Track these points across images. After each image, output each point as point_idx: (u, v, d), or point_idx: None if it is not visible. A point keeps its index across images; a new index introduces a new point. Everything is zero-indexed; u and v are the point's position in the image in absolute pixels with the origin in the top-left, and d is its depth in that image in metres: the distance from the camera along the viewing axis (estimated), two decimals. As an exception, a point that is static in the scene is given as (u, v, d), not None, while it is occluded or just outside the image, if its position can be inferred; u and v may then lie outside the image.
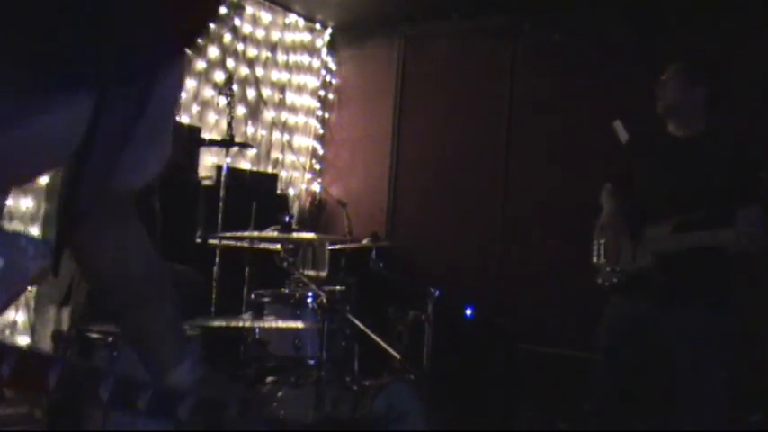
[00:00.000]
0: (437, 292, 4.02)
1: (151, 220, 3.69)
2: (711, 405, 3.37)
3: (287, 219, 3.66)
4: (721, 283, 3.41)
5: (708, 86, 3.49)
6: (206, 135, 5.79)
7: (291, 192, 6.93)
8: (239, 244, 4.13)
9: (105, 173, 1.25)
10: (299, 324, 3.51)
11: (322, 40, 7.20)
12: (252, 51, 6.47)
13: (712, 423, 3.32)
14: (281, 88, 6.80)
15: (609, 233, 3.65)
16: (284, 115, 6.85)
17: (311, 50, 7.10)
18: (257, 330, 3.63)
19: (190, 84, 5.90)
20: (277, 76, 6.75)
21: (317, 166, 7.20)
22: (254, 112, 6.54)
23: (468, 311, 5.49)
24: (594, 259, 3.72)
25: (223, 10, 6.12)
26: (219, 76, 6.00)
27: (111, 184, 1.29)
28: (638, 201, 3.58)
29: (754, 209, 3.10)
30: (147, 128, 1.25)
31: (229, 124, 4.45)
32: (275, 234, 3.67)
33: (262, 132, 6.63)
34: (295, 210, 6.91)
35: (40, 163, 1.32)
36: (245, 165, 6.37)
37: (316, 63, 7.15)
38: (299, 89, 7.02)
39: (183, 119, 5.79)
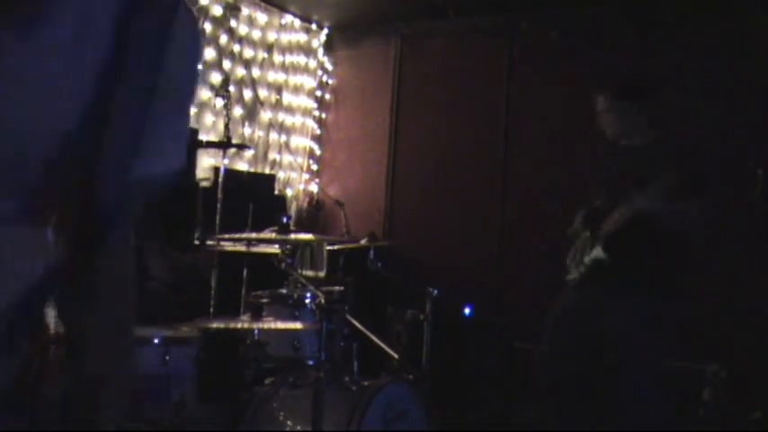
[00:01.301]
0: (435, 292, 4.01)
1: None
2: (637, 389, 3.69)
3: (285, 219, 3.66)
4: (661, 273, 3.72)
5: (635, 104, 3.93)
6: (203, 136, 5.78)
7: (289, 192, 6.93)
8: (237, 245, 4.12)
9: (127, 156, 1.12)
10: (298, 325, 3.50)
11: (318, 41, 7.20)
12: (248, 52, 6.47)
13: (637, 406, 3.67)
14: (278, 89, 6.80)
15: (578, 240, 4.05)
16: (281, 116, 6.85)
17: (308, 51, 7.10)
18: (256, 331, 3.63)
19: (186, 85, 5.89)
20: (274, 76, 6.75)
21: (315, 167, 7.20)
22: (251, 113, 6.53)
23: (467, 311, 5.49)
24: (567, 261, 4.11)
25: (219, 11, 6.12)
26: (216, 78, 5.99)
27: (129, 174, 1.14)
28: (601, 206, 3.98)
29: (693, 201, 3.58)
30: (165, 101, 1.13)
31: (226, 125, 4.44)
32: (273, 235, 3.66)
33: (259, 133, 6.63)
34: (293, 210, 6.91)
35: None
36: (242, 166, 6.37)
37: (312, 63, 7.15)
38: (296, 90, 7.01)
39: (180, 120, 5.78)
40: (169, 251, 3.60)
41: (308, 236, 4.11)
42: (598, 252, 3.84)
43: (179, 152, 1.26)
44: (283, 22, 6.81)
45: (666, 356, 3.91)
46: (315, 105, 7.19)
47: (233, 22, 6.28)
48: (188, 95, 1.29)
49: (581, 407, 4.04)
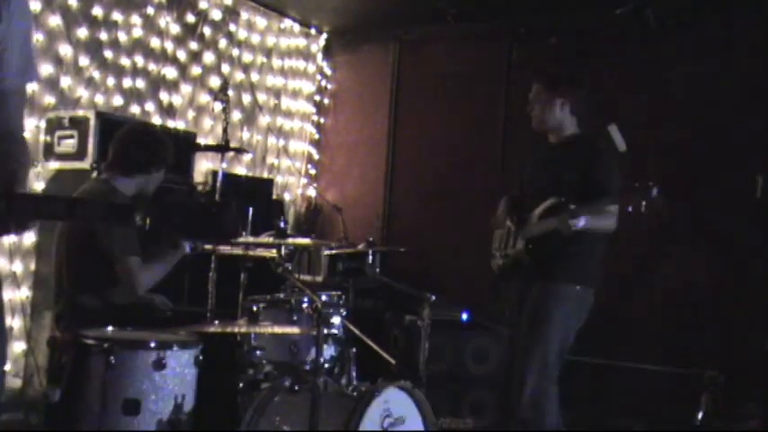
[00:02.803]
0: (433, 297, 4.01)
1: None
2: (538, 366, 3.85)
3: (282, 224, 3.66)
4: (566, 265, 3.88)
5: (564, 98, 4.04)
6: (201, 140, 5.78)
7: (287, 197, 6.93)
8: (235, 249, 4.12)
9: None
10: (295, 329, 3.50)
11: (317, 45, 7.20)
12: (247, 56, 6.48)
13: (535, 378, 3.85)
14: (277, 93, 6.81)
15: (499, 224, 4.27)
16: (280, 120, 6.85)
17: (306, 55, 7.11)
18: (253, 336, 3.63)
19: (185, 89, 5.91)
20: (272, 81, 6.75)
21: (313, 171, 7.20)
22: (250, 117, 6.54)
23: (465, 316, 5.49)
24: (493, 245, 4.31)
25: (218, 15, 6.13)
26: (215, 82, 6.00)
27: None
28: (525, 197, 4.19)
29: (577, 208, 3.68)
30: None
31: (225, 129, 4.44)
32: (271, 239, 3.66)
33: (257, 137, 6.64)
34: (291, 215, 6.91)
35: None
36: (240, 170, 6.37)
37: (311, 68, 7.16)
38: (295, 94, 7.02)
39: (179, 124, 5.79)
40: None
41: (306, 240, 4.11)
42: (520, 252, 3.99)
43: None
44: (282, 26, 6.82)
45: (579, 352, 4.12)
46: (313, 110, 7.20)
47: (232, 27, 6.29)
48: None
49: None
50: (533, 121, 4.15)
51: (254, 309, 3.65)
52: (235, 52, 6.33)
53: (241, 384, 3.65)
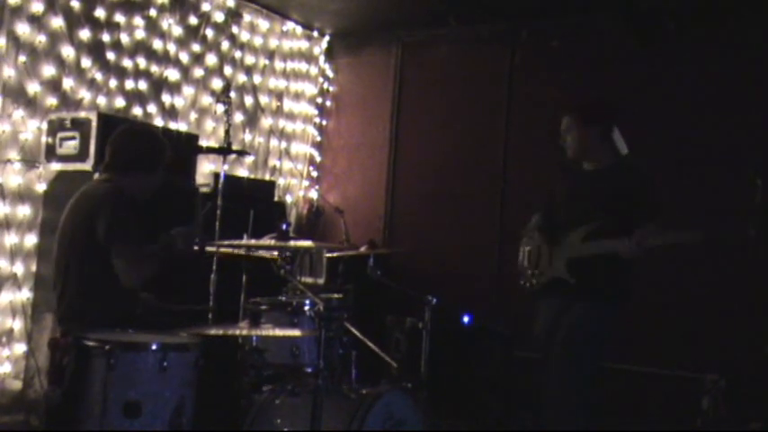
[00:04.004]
0: (434, 300, 4.01)
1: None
2: (571, 388, 3.90)
3: (284, 226, 3.65)
4: (612, 284, 3.94)
5: (600, 128, 4.06)
6: (203, 142, 5.79)
7: (289, 199, 6.93)
8: (237, 252, 4.12)
9: None
10: (297, 332, 3.50)
11: (319, 48, 7.21)
12: (249, 59, 6.48)
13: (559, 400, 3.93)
14: (279, 95, 6.81)
15: (532, 242, 4.24)
16: (282, 122, 6.85)
17: (309, 58, 7.11)
18: (254, 338, 3.62)
19: (188, 91, 5.91)
20: (275, 83, 6.76)
21: (315, 174, 7.20)
22: (252, 120, 6.54)
23: (466, 319, 5.48)
24: (519, 261, 4.30)
25: (221, 17, 6.13)
26: (217, 84, 6.01)
27: None
28: (557, 220, 4.16)
29: (645, 229, 3.73)
30: None
31: (227, 131, 4.44)
32: (272, 242, 3.66)
33: (259, 139, 6.64)
34: (292, 217, 6.91)
35: None
36: (242, 172, 6.37)
37: (313, 70, 7.16)
38: (297, 96, 7.02)
39: (181, 126, 5.79)
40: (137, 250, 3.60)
41: (308, 243, 4.10)
42: (561, 272, 4.00)
43: None
44: (285, 29, 6.83)
45: (607, 359, 4.12)
46: (315, 112, 7.20)
47: (235, 29, 6.29)
48: None
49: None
50: (569, 151, 4.16)
51: (256, 311, 3.64)
52: (237, 54, 6.33)
53: (242, 387, 3.64)
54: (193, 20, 5.91)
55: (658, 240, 3.73)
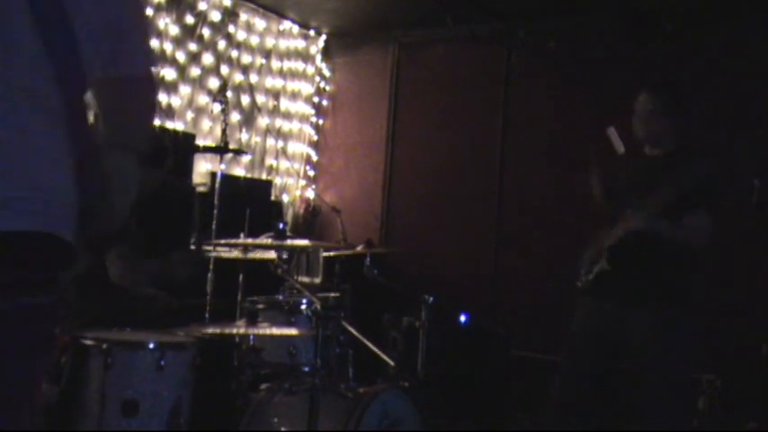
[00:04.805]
0: (431, 299, 4.01)
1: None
2: (672, 400, 3.70)
3: (281, 225, 3.65)
4: (677, 286, 3.75)
5: (676, 115, 3.89)
6: (200, 141, 5.79)
7: (286, 198, 6.93)
8: (233, 251, 4.12)
9: None
10: (294, 331, 3.50)
11: (316, 47, 7.21)
12: (246, 58, 6.48)
13: (673, 416, 3.70)
14: (276, 95, 6.81)
15: (593, 248, 3.93)
16: (278, 122, 6.85)
17: (305, 57, 7.11)
18: (251, 337, 3.62)
19: (184, 90, 5.91)
20: (271, 82, 6.75)
21: (312, 173, 7.20)
22: (249, 119, 6.54)
23: (463, 318, 5.48)
24: (582, 263, 4.01)
25: (217, 17, 6.13)
26: (214, 83, 6.00)
27: None
28: (616, 208, 3.89)
29: (700, 214, 3.64)
30: None
31: (224, 131, 4.44)
32: (269, 241, 3.66)
33: (256, 139, 6.64)
34: (289, 216, 6.91)
35: None
36: (239, 171, 6.37)
37: (310, 69, 7.16)
38: (294, 96, 7.02)
39: (178, 125, 5.79)
40: (138, 257, 3.60)
41: (305, 242, 4.11)
42: (603, 264, 3.81)
43: None
44: (281, 28, 6.82)
45: (688, 367, 3.99)
46: (312, 111, 7.20)
47: (231, 28, 6.29)
48: None
49: (598, 415, 4.12)
50: (643, 133, 3.91)
51: (253, 310, 3.65)
52: (234, 53, 6.33)
53: (239, 386, 3.64)
54: (190, 19, 5.91)
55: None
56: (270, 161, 6.78)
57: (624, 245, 3.74)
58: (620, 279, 3.77)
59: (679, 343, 3.71)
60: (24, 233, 1.40)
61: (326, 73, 7.26)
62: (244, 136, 6.47)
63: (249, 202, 4.54)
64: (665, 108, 3.89)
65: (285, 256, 3.87)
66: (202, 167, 5.90)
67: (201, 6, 5.98)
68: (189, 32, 5.92)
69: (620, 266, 3.76)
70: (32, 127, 1.43)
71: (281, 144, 6.84)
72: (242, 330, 3.46)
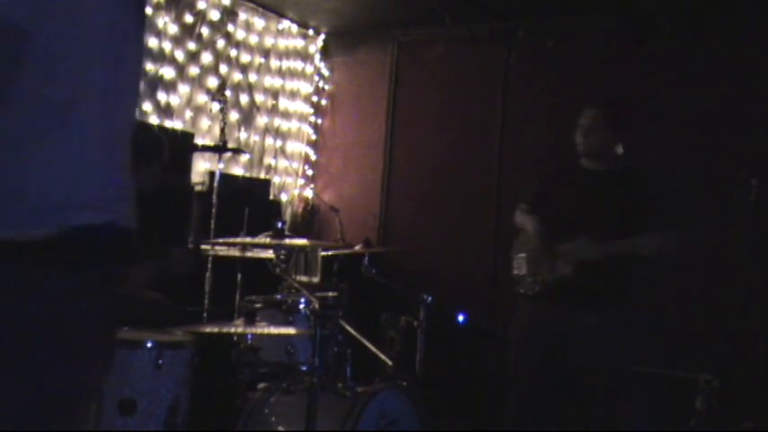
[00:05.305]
0: (429, 299, 4.01)
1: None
2: (630, 393, 3.97)
3: (279, 224, 3.65)
4: (625, 287, 3.95)
5: (618, 132, 4.03)
6: (199, 140, 5.78)
7: (284, 197, 6.93)
8: (232, 250, 4.12)
9: None
10: (292, 330, 3.50)
11: (315, 46, 7.20)
12: (245, 57, 6.47)
13: (630, 410, 3.94)
14: (274, 94, 6.81)
15: (530, 247, 4.14)
16: (277, 121, 6.85)
17: (304, 56, 7.11)
18: (249, 336, 3.62)
19: (183, 89, 5.90)
20: (270, 81, 6.75)
21: (310, 172, 7.20)
22: (247, 118, 6.54)
23: (461, 318, 5.48)
24: (515, 271, 4.22)
25: (216, 16, 6.12)
26: (212, 82, 6.00)
27: None
28: (554, 221, 4.08)
29: (653, 234, 3.77)
30: None
31: (222, 130, 4.44)
32: (268, 240, 3.66)
33: (254, 138, 6.63)
34: (287, 215, 6.91)
35: None
36: (237, 170, 6.37)
37: (309, 69, 7.16)
38: (292, 95, 7.02)
39: (177, 124, 5.79)
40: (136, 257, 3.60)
41: (303, 241, 4.11)
42: (564, 270, 3.95)
43: None
44: (280, 27, 6.82)
45: (643, 365, 4.29)
46: (311, 111, 7.20)
47: (230, 27, 6.29)
48: None
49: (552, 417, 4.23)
50: (585, 147, 4.08)
51: (251, 309, 3.65)
52: (233, 53, 6.33)
53: (237, 385, 3.64)
54: (189, 18, 5.91)
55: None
56: (268, 160, 6.78)
57: (580, 273, 3.90)
58: (570, 283, 3.92)
59: (625, 340, 3.92)
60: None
61: (325, 72, 7.26)
62: (242, 135, 6.47)
63: (247, 202, 4.54)
64: (607, 124, 4.03)
65: (283, 256, 3.87)
66: (201, 166, 5.90)
67: (201, 5, 5.98)
68: (188, 31, 5.92)
69: (585, 276, 3.90)
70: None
71: (279, 143, 6.84)
72: (240, 329, 3.46)
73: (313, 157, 7.22)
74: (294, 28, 6.97)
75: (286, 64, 6.91)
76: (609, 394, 3.91)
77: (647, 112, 4.36)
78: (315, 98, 7.22)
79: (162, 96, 5.72)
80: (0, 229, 1.30)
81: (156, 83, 5.69)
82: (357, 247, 5.24)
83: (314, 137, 7.23)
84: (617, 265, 3.86)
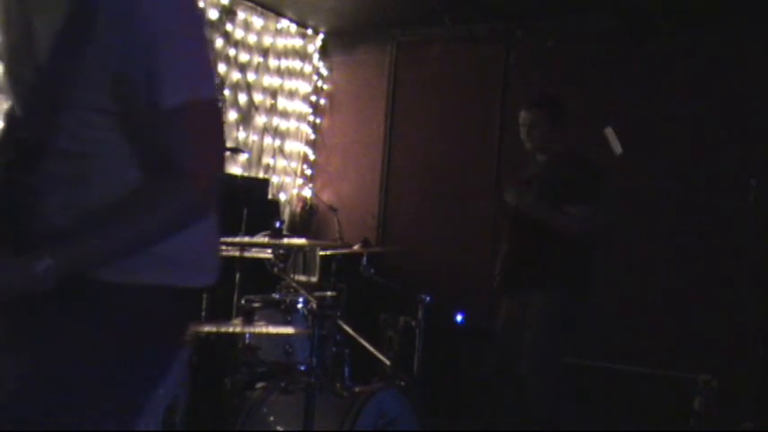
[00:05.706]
0: (428, 298, 4.01)
1: None
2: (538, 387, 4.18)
3: (278, 224, 3.65)
4: (565, 273, 4.20)
5: (553, 125, 4.41)
6: (197, 139, 5.76)
7: (283, 197, 6.92)
8: (230, 249, 4.11)
9: None
10: (290, 330, 3.50)
11: (314, 46, 7.20)
12: (244, 56, 6.46)
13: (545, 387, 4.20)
14: (273, 93, 6.80)
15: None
16: (276, 120, 6.84)
17: (303, 56, 7.10)
18: (248, 336, 3.62)
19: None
20: (269, 81, 6.74)
21: (309, 172, 7.19)
22: (246, 117, 6.53)
23: (459, 317, 5.48)
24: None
25: (215, 15, 6.11)
26: (211, 81, 5.98)
27: None
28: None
29: (580, 205, 4.18)
30: None
31: (221, 129, 4.43)
32: (266, 239, 3.66)
33: (253, 137, 6.62)
34: (286, 215, 6.90)
35: None
36: (236, 170, 6.36)
37: (307, 68, 7.15)
38: (291, 94, 7.01)
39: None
40: None
41: (301, 241, 4.10)
42: (504, 250, 4.44)
43: None
44: (279, 26, 6.81)
45: (573, 354, 4.50)
46: (310, 110, 7.19)
47: (229, 26, 6.28)
48: None
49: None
50: (532, 143, 4.42)
51: (249, 309, 3.64)
52: (231, 52, 6.32)
53: (235, 384, 3.64)
54: (188, 17, 5.89)
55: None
56: (267, 160, 6.77)
57: (516, 224, 4.33)
58: (519, 267, 4.32)
59: (555, 327, 4.18)
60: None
61: (324, 72, 7.25)
62: (241, 134, 6.46)
63: (246, 201, 4.53)
64: (541, 120, 4.39)
65: (282, 255, 3.86)
66: (199, 166, 5.88)
67: (199, 4, 5.96)
68: (186, 30, 5.90)
69: (515, 250, 4.35)
70: None
71: (278, 143, 6.83)
72: (238, 329, 3.46)
73: (312, 157, 7.21)
74: (293, 27, 6.96)
75: (285, 63, 6.90)
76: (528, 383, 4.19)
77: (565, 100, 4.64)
78: (313, 98, 7.21)
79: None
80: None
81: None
82: (355, 247, 5.23)
83: (312, 136, 7.22)
84: (549, 247, 4.17)
